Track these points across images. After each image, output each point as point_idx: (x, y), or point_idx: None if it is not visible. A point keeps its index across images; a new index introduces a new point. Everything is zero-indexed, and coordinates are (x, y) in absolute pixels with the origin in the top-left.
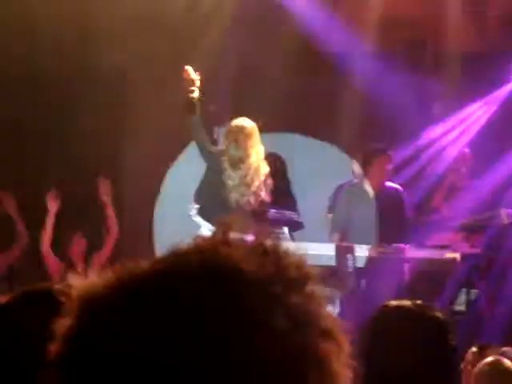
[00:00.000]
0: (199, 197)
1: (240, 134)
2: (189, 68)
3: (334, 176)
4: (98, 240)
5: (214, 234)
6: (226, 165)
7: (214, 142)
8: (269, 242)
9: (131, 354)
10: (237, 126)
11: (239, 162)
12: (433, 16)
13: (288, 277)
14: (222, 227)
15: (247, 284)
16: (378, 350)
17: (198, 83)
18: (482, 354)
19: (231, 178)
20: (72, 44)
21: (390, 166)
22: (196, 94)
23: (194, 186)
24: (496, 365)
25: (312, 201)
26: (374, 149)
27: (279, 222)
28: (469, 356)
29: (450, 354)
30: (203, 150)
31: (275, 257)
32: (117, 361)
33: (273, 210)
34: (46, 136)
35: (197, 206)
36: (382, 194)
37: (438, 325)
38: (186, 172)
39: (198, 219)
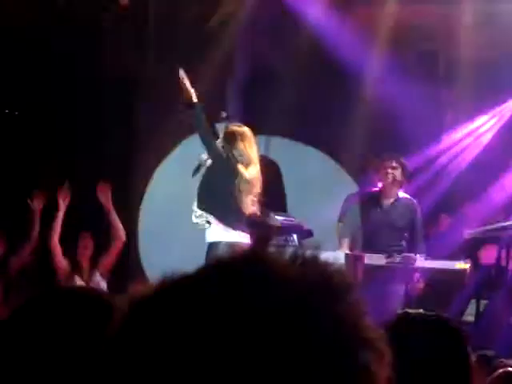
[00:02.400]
0: (207, 199)
1: (246, 139)
2: (180, 71)
3: (331, 186)
4: (107, 243)
5: (254, 244)
6: (240, 169)
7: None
8: (308, 252)
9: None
10: (241, 131)
11: (248, 166)
12: (445, 26)
13: (333, 286)
14: (262, 240)
15: (293, 292)
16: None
17: (188, 84)
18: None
19: (245, 180)
20: None
21: (391, 172)
22: (193, 95)
23: (181, 185)
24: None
25: (317, 209)
26: (375, 157)
27: (289, 230)
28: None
29: (467, 367)
30: (211, 150)
31: (317, 266)
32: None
33: (281, 218)
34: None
35: (201, 208)
36: (395, 204)
37: (460, 336)
38: (173, 171)
39: (202, 221)
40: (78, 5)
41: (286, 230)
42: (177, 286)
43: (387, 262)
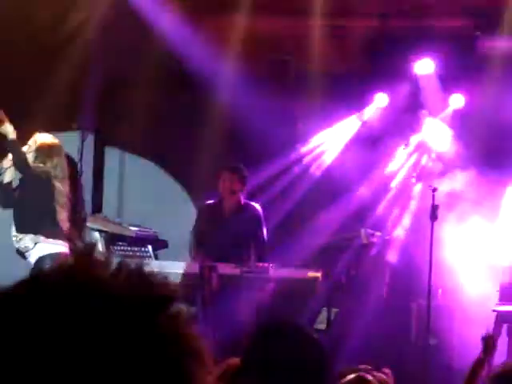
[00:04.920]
0: (29, 221)
1: (61, 152)
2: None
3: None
4: None
5: (77, 254)
6: (56, 183)
7: None
8: (133, 262)
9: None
10: (56, 144)
11: (63, 179)
12: (296, 37)
13: (154, 297)
14: (86, 248)
15: (115, 304)
16: (256, 367)
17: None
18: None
19: (62, 194)
20: None
21: (228, 183)
22: (9, 133)
23: None
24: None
25: (173, 221)
26: (220, 167)
27: (143, 240)
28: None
29: (328, 376)
30: (28, 175)
31: (140, 278)
32: None
33: (136, 229)
34: None
35: (23, 232)
36: (237, 213)
37: (319, 347)
38: None
39: (24, 244)
40: None
41: (140, 240)
42: None
43: (241, 272)
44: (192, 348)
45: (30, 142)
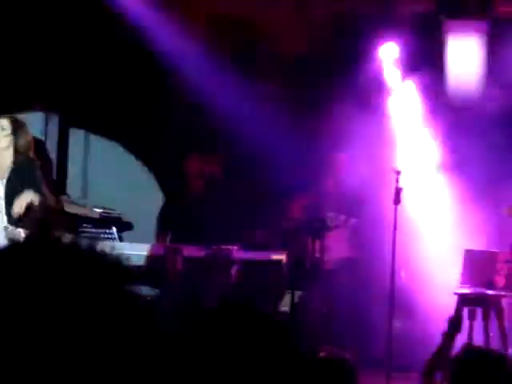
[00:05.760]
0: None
1: (27, 128)
2: None
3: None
4: None
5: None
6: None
7: None
8: (86, 243)
9: None
10: (23, 121)
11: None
12: (261, 19)
13: (104, 275)
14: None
15: (71, 276)
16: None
17: None
18: None
19: (41, 179)
20: None
21: (201, 166)
22: None
23: None
24: None
25: (139, 203)
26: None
27: (108, 222)
28: None
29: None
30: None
31: (92, 257)
32: None
33: (100, 210)
34: None
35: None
36: (206, 195)
37: (282, 330)
38: None
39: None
40: None
41: (104, 221)
42: None
43: (205, 254)
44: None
45: (1, 122)
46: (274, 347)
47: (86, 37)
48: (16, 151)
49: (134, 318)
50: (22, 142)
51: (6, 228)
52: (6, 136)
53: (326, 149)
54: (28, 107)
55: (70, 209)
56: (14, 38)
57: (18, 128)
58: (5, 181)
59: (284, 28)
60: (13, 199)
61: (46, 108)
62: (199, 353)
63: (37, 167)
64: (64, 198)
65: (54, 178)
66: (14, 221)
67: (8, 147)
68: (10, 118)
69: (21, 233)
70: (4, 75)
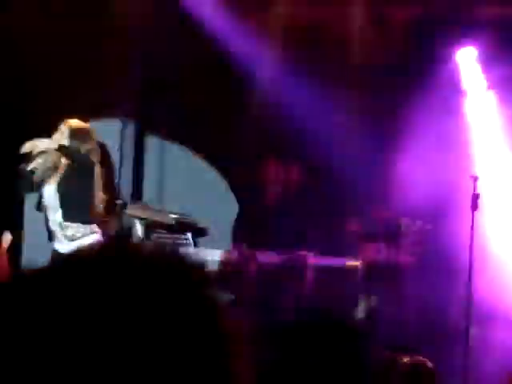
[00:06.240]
0: (75, 208)
1: (94, 134)
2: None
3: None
4: None
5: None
6: (95, 168)
7: None
8: (169, 248)
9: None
10: (88, 127)
11: (98, 161)
12: (339, 27)
13: (191, 281)
14: (122, 234)
15: (154, 284)
16: (298, 362)
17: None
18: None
19: (99, 180)
20: None
21: (278, 174)
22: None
23: None
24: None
25: (213, 209)
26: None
27: (183, 228)
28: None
29: (368, 369)
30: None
31: (176, 263)
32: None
33: (176, 216)
34: None
35: (70, 219)
36: (283, 202)
37: (358, 337)
38: None
39: (74, 232)
40: None
41: (180, 227)
42: (30, 278)
43: (281, 260)
44: (227, 330)
45: (62, 127)
46: (355, 357)
47: (163, 45)
48: (75, 154)
49: (223, 328)
50: (82, 145)
51: (58, 224)
52: (63, 139)
53: (404, 157)
54: (105, 113)
55: (145, 214)
56: (95, 47)
57: (77, 133)
58: (62, 178)
59: (360, 35)
60: (68, 199)
61: (123, 114)
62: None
63: (95, 170)
64: (139, 203)
65: (129, 184)
66: (70, 215)
67: (64, 149)
68: (72, 123)
69: (76, 230)
70: (83, 81)
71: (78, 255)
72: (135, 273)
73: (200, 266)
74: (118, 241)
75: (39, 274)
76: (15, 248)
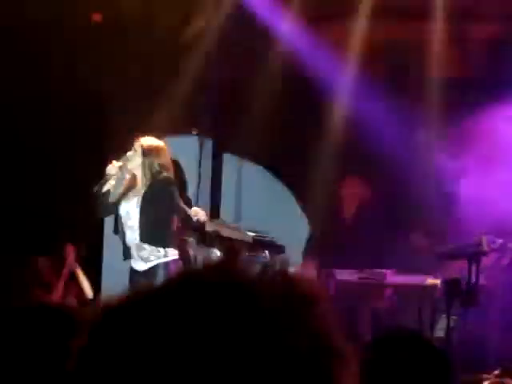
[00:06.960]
0: (155, 230)
1: (165, 153)
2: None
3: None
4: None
5: (223, 257)
6: (172, 187)
7: None
8: (277, 266)
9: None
10: (162, 144)
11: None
12: (416, 41)
13: (302, 298)
14: (232, 252)
15: (265, 304)
16: (381, 379)
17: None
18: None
19: (176, 199)
20: None
21: (355, 190)
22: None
23: None
24: None
25: (289, 227)
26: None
27: (261, 246)
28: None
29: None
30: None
31: (286, 280)
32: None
33: (253, 234)
34: None
35: (149, 242)
36: (359, 219)
37: (443, 358)
38: None
39: (153, 254)
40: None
41: (257, 245)
42: (148, 296)
43: (359, 278)
44: (338, 348)
45: (136, 145)
46: (437, 375)
47: (238, 63)
48: (150, 171)
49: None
50: (157, 162)
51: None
52: (137, 157)
53: (483, 173)
54: (183, 131)
55: (224, 232)
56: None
57: (152, 150)
58: (140, 198)
59: (437, 52)
60: (148, 216)
61: (201, 133)
62: None
63: (173, 185)
64: (217, 221)
65: (207, 202)
66: (146, 237)
67: (139, 167)
68: (144, 140)
69: (151, 253)
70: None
71: (190, 277)
72: (251, 294)
73: (309, 283)
74: (228, 260)
75: (155, 296)
76: (94, 264)
